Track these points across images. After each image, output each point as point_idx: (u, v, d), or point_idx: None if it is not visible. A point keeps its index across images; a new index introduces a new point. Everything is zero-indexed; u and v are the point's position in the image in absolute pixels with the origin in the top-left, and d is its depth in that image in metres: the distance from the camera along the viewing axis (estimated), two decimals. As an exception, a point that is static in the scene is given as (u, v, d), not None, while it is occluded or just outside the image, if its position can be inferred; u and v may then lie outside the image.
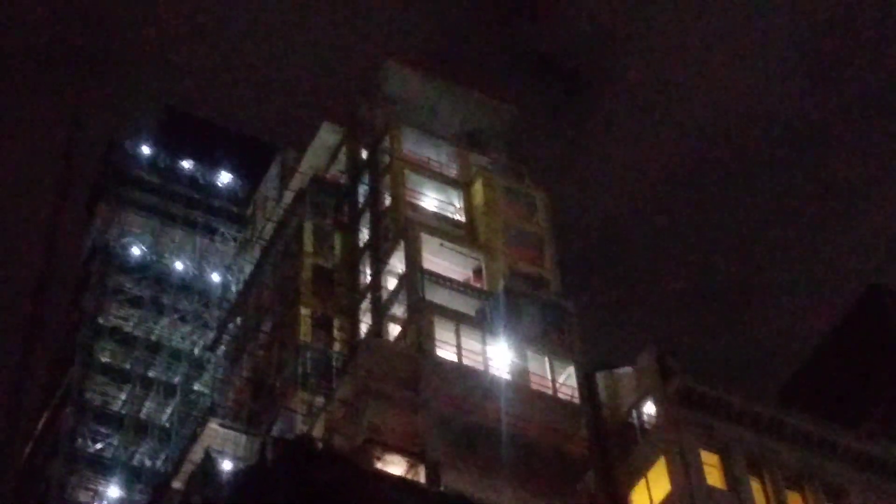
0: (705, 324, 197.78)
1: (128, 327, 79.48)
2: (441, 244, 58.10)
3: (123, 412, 75.24)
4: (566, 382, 54.07)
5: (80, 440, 72.94)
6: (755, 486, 50.88)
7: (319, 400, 53.68)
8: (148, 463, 72.77)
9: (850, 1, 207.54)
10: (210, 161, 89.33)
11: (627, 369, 55.22)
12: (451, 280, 56.69)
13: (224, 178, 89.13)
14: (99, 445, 73.68)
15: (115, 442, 73.64)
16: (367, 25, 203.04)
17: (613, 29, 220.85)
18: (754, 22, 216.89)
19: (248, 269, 70.30)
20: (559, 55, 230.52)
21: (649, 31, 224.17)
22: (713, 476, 50.13)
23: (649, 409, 52.95)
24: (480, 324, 54.29)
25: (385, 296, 57.47)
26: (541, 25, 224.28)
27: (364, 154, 66.46)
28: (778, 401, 62.54)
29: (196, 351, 77.01)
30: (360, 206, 64.53)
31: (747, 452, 51.62)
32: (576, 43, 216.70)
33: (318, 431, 51.24)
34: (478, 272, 58.54)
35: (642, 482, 51.10)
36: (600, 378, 55.78)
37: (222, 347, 69.07)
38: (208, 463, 50.60)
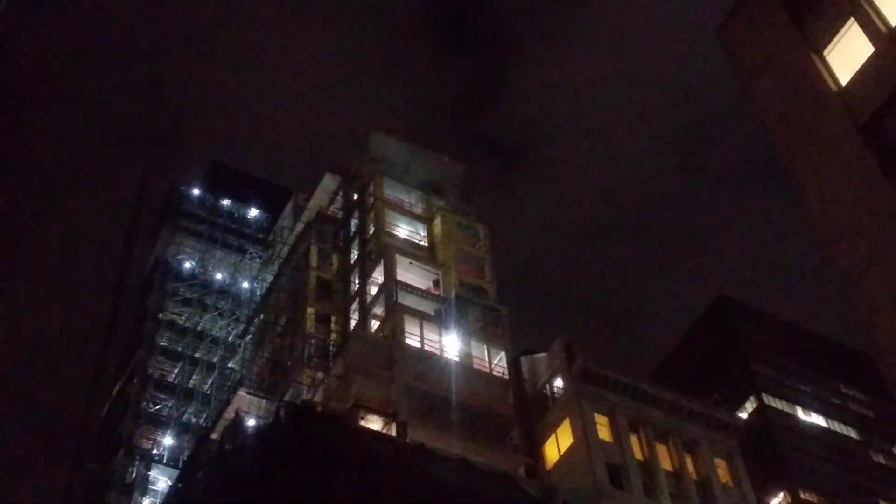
0: (600, 323, 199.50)
1: (180, 320, 78.91)
2: (410, 262, 58.17)
3: (176, 382, 74.71)
4: (499, 364, 54.25)
5: (144, 403, 72.37)
6: (633, 439, 51.17)
7: (320, 375, 53.59)
8: (194, 420, 72.20)
9: (706, 103, 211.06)
10: (243, 200, 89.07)
11: (543, 355, 55.39)
12: (416, 288, 56.72)
13: (253, 212, 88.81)
14: (158, 407, 73.12)
15: (170, 404, 73.08)
16: (360, 103, 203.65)
17: (543, 117, 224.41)
18: (641, 115, 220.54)
19: (269, 279, 70.08)
20: (501, 135, 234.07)
21: (568, 119, 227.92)
22: (603, 432, 50.37)
23: (558, 383, 53.14)
24: (438, 321, 54.40)
25: (368, 300, 57.48)
26: (489, 112, 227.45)
27: (355, 196, 66.54)
28: (651, 378, 63.02)
29: (230, 338, 76.49)
30: (351, 234, 64.53)
31: (628, 415, 51.88)
32: (514, 126, 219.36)
33: (318, 398, 51.17)
34: (436, 283, 58.63)
35: (553, 437, 51.31)
36: (523, 361, 55.94)
37: (249, 336, 68.79)
38: (238, 420, 50.25)
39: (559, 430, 50.77)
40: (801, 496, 75.50)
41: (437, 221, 62.87)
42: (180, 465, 63.05)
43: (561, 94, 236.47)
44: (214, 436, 54.10)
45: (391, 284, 55.53)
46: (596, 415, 50.67)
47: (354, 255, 62.59)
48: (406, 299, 54.95)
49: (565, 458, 49.63)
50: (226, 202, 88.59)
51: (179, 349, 76.63)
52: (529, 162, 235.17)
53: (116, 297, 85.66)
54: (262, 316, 67.90)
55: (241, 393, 55.22)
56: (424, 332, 52.88)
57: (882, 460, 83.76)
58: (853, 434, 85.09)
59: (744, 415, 77.41)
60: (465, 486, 39.91)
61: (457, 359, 52.52)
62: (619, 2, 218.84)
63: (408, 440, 45.08)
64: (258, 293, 73.38)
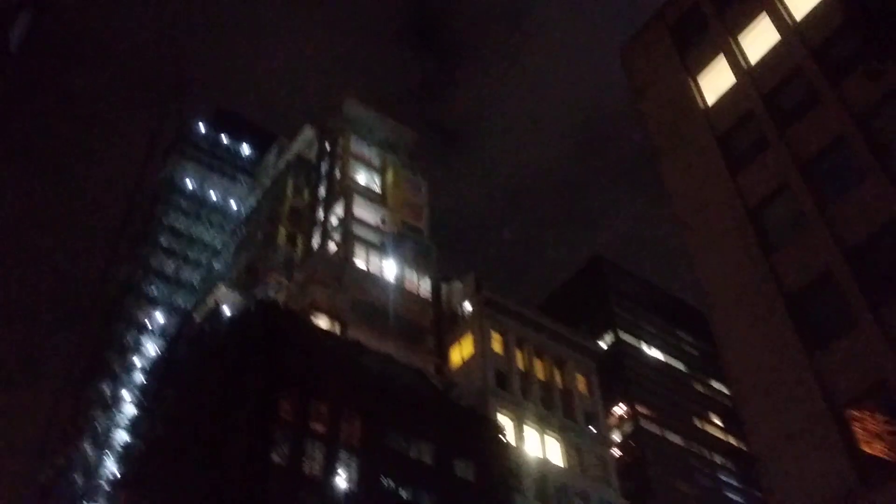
0: (504, 264, 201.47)
1: (179, 227, 77.76)
2: (365, 202, 57.86)
3: (171, 274, 73.78)
4: (424, 287, 54.64)
5: (144, 287, 71.44)
6: (518, 354, 51.91)
7: (285, 281, 53.35)
8: (182, 304, 71.56)
9: (607, 107, 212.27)
10: (238, 139, 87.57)
11: (458, 283, 55.88)
12: (368, 223, 56.52)
13: (245, 149, 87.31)
14: (155, 292, 72.16)
15: (165, 291, 72.25)
16: (339, 72, 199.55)
17: (481, 108, 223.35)
18: (555, 113, 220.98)
19: (253, 202, 69.16)
20: (446, 119, 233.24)
21: (499, 111, 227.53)
22: (496, 346, 51.07)
23: (467, 306, 53.68)
24: (382, 249, 54.42)
25: (330, 228, 57.12)
26: (438, 100, 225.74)
27: (327, 146, 65.64)
28: (538, 309, 63.86)
29: (217, 245, 75.67)
30: (321, 175, 63.81)
31: (516, 335, 52.57)
32: (456, 113, 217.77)
33: (281, 298, 50.97)
34: (383, 221, 58.46)
35: (457, 345, 51.94)
36: (443, 287, 56.35)
37: (232, 245, 68.03)
38: (216, 308, 49.89)
39: (463, 341, 51.51)
40: (637, 408, 77.93)
41: (389, 173, 62.42)
42: (167, 338, 62.50)
43: (497, 91, 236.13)
44: (197, 317, 53.70)
45: (348, 218, 55.23)
46: (492, 332, 51.33)
47: (322, 191, 61.96)
48: (359, 230, 54.73)
49: (466, 363, 50.40)
50: (224, 138, 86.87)
51: (176, 249, 75.62)
52: (465, 141, 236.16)
53: (130, 207, 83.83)
54: (244, 230, 67.10)
55: (222, 288, 54.70)
56: (370, 257, 52.96)
57: (701, 389, 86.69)
58: (681, 367, 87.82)
59: (603, 344, 79.22)
60: (386, 375, 40.39)
61: (393, 281, 52.72)
62: (551, 22, 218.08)
63: (348, 338, 45.24)
64: (243, 212, 72.44)
